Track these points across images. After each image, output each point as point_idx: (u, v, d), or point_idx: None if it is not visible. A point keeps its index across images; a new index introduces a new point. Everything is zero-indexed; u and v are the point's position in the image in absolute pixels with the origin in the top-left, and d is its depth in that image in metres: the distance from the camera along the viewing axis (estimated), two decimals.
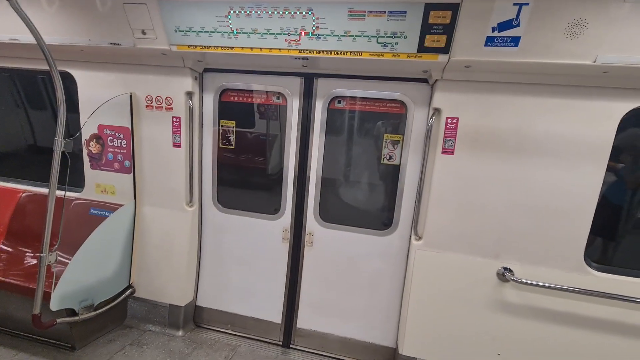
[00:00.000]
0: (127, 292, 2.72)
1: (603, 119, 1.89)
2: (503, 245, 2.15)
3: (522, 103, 1.96)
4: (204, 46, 2.09)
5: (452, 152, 2.11)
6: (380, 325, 2.58)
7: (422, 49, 1.82)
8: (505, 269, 2.15)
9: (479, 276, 2.20)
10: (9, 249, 2.77)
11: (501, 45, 1.73)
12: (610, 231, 2.18)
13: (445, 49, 1.79)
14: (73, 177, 2.85)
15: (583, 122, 1.91)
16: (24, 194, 2.92)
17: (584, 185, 1.97)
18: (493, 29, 1.70)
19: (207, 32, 2.04)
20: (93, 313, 2.40)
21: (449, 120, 2.08)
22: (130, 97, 2.51)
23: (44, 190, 2.84)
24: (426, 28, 1.76)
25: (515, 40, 1.70)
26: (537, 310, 2.14)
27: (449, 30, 1.74)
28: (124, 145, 2.63)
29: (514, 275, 2.11)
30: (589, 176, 1.96)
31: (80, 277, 2.36)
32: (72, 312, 2.31)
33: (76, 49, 2.37)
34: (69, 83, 2.65)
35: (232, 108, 2.61)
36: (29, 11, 1.79)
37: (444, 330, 2.29)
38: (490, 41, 1.73)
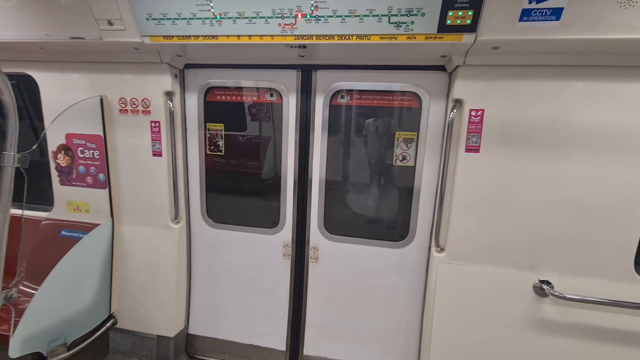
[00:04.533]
0: (108, 324, 2.38)
1: None
2: (539, 255, 1.86)
3: (560, 89, 1.67)
4: (182, 36, 1.77)
5: (477, 150, 1.82)
6: (399, 348, 2.28)
7: (443, 27, 1.52)
8: (542, 281, 1.86)
9: (513, 291, 1.91)
10: None
11: (539, 20, 1.43)
12: None
13: (472, 27, 1.49)
14: (42, 194, 2.53)
15: (630, 109, 1.63)
16: None
17: (633, 181, 1.69)
18: (530, 0, 1.41)
19: (185, 18, 1.71)
20: (66, 354, 2.05)
21: (473, 113, 1.79)
22: (101, 100, 2.18)
23: (16, 212, 2.49)
24: (449, 2, 1.45)
25: (556, 13, 1.41)
26: (580, 328, 1.85)
27: (476, 3, 1.44)
28: (97, 157, 2.29)
29: (553, 289, 1.83)
30: (638, 171, 1.68)
31: (48, 311, 2.01)
32: (39, 357, 1.96)
33: (34, 46, 2.02)
34: (32, 87, 2.31)
35: (220, 109, 2.28)
36: None
37: (474, 352, 1.99)
38: (526, 15, 1.43)
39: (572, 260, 1.83)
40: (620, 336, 1.81)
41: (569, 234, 1.80)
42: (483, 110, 1.77)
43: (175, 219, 2.32)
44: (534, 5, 1.41)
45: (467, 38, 1.53)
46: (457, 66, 1.76)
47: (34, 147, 1.89)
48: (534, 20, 1.44)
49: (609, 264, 1.79)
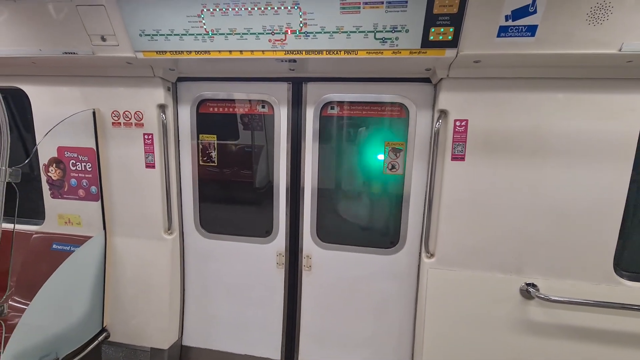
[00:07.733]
0: (101, 338, 2.36)
1: (625, 113, 1.71)
2: (525, 258, 1.92)
3: (537, 100, 1.76)
4: (175, 51, 1.81)
5: (462, 158, 1.89)
6: (392, 352, 2.31)
7: (426, 43, 1.60)
8: (528, 284, 1.92)
9: (501, 294, 1.97)
10: None
11: (516, 36, 1.52)
12: None
13: (453, 43, 1.57)
14: (33, 208, 2.52)
15: (605, 118, 1.73)
16: None
17: (609, 186, 1.78)
18: (507, 18, 1.49)
19: (178, 34, 1.76)
20: None
21: (458, 123, 1.86)
22: (94, 113, 2.20)
23: (7, 226, 2.47)
24: (431, 19, 1.54)
25: (531, 30, 1.50)
26: (566, 328, 1.91)
27: (456, 20, 1.52)
28: (89, 169, 2.29)
29: (538, 291, 1.89)
30: (614, 176, 1.76)
31: (40, 326, 1.99)
32: None
33: (26, 61, 2.04)
34: (23, 101, 2.32)
35: (212, 120, 2.32)
36: None
37: (465, 355, 2.04)
38: (503, 31, 1.52)
39: (555, 263, 1.90)
40: (603, 335, 1.87)
41: (551, 237, 1.88)
42: (467, 120, 1.85)
43: (169, 230, 2.34)
44: (510, 23, 1.50)
45: (449, 53, 1.61)
46: (441, 79, 1.84)
47: (25, 162, 1.90)
48: (510, 36, 1.52)
49: (590, 266, 1.87)
